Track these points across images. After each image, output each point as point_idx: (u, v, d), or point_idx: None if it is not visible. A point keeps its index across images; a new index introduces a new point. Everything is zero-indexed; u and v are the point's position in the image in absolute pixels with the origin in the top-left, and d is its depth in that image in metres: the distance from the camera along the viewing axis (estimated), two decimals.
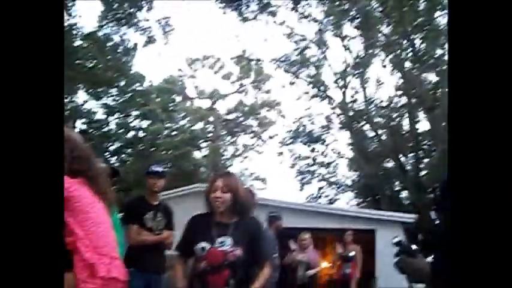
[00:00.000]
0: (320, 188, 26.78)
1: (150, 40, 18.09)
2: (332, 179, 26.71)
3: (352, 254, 7.97)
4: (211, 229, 3.15)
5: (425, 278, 1.93)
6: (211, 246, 3.10)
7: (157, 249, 4.59)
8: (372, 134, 23.31)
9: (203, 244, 3.11)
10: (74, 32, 15.04)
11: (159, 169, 4.83)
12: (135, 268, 3.97)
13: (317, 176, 26.86)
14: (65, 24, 14.54)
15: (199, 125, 29.99)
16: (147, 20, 17.59)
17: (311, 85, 24.60)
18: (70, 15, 14.91)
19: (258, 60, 27.48)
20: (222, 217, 3.19)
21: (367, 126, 23.35)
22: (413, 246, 2.02)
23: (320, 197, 26.43)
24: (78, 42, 15.38)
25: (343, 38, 22.66)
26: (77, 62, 14.68)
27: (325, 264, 9.16)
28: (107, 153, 25.13)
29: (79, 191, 1.73)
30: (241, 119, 30.51)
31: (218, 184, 3.17)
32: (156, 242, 4.59)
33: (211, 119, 29.73)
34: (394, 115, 22.68)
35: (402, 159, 21.37)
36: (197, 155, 29.06)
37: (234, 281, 3.05)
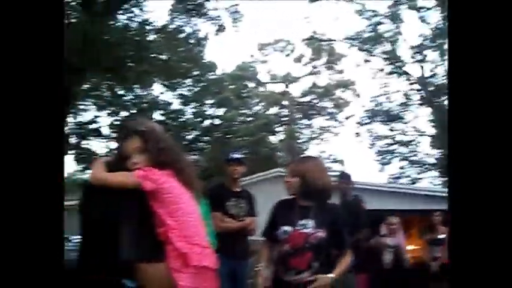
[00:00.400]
0: (401, 168, 26.08)
1: (220, 28, 18.26)
2: (413, 158, 25.88)
3: (442, 236, 7.61)
4: (293, 213, 3.16)
5: None
6: (293, 229, 3.11)
7: (241, 235, 4.62)
8: None
9: (285, 227, 3.13)
10: (147, 27, 15.47)
11: (239, 156, 4.85)
12: (221, 255, 4.02)
13: (397, 156, 26.17)
14: (138, 20, 14.99)
15: (273, 110, 30.07)
16: (216, 9, 17.77)
17: (387, 62, 23.88)
18: (142, 10, 15.35)
19: (330, 40, 27.01)
20: (303, 200, 3.19)
21: None
22: None
23: (401, 177, 25.73)
24: (151, 37, 15.82)
25: (418, 10, 21.73)
26: (152, 55, 15.10)
27: (411, 247, 8.88)
28: (185, 142, 25.81)
29: (168, 182, 1.74)
30: (316, 101, 30.26)
31: (288, 169, 3.33)
32: (239, 229, 4.62)
33: (285, 103, 29.72)
34: None
35: None
36: (273, 139, 29.18)
37: (317, 264, 3.03)
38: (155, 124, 2.08)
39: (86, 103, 23.07)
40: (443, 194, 12.36)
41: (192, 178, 1.84)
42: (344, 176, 6.13)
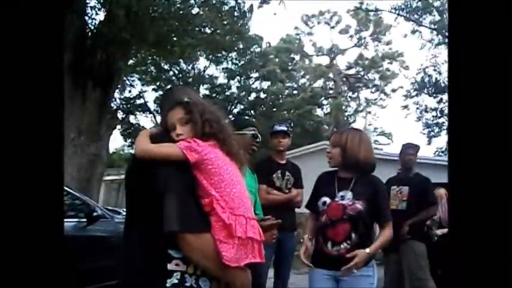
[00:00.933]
0: None
1: (265, 0, 18.03)
2: None
3: None
4: (333, 184, 3.19)
5: None
6: (332, 200, 3.13)
7: (287, 207, 4.62)
8: None
9: (325, 199, 3.17)
10: (191, 0, 15.44)
11: (284, 128, 4.83)
12: None
13: (445, 129, 25.48)
14: None
15: (319, 83, 29.79)
16: None
17: (435, 32, 23.09)
18: None
19: (376, 10, 26.30)
20: (344, 172, 3.21)
21: None
22: None
23: None
24: (195, 10, 15.80)
25: None
26: (196, 29, 15.08)
27: None
28: (231, 116, 25.97)
29: (212, 153, 1.73)
30: (362, 73, 29.74)
31: (330, 140, 3.34)
32: (285, 201, 4.62)
33: (331, 75, 29.35)
34: None
35: None
36: (319, 112, 28.97)
37: (355, 236, 3.02)
38: (197, 95, 2.06)
39: (131, 78, 23.49)
40: None
41: (236, 149, 1.83)
42: (410, 147, 5.69)
